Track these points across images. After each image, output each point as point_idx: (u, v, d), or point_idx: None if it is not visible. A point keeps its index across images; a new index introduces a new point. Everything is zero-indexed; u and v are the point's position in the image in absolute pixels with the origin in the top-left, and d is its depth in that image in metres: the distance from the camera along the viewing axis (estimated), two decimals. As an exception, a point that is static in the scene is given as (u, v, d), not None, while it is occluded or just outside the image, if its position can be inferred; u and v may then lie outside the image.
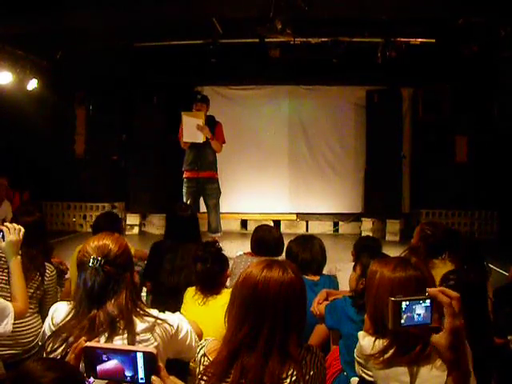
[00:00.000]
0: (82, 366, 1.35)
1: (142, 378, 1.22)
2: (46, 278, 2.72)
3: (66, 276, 3.46)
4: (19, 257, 2.29)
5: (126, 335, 1.65)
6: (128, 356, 1.22)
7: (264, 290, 1.50)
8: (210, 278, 2.65)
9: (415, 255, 2.92)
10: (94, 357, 1.24)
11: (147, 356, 1.22)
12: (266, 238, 3.52)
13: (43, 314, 2.66)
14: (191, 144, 6.04)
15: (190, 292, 2.69)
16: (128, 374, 1.23)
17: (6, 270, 2.40)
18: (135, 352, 1.23)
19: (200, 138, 5.89)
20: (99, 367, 1.24)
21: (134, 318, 1.71)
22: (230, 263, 3.02)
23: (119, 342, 1.64)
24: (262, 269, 1.54)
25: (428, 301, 1.13)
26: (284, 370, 1.46)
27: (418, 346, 1.59)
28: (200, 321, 2.34)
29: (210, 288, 2.64)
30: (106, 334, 1.64)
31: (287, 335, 1.50)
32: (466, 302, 1.12)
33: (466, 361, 1.14)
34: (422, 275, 1.71)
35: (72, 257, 3.40)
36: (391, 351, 1.64)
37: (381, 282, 1.72)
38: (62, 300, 2.52)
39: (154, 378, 1.22)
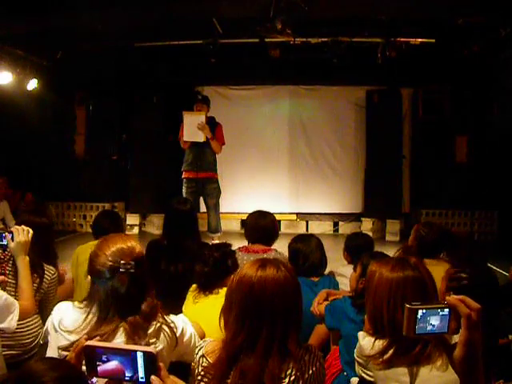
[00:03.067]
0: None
1: (142, 378, 1.22)
2: (47, 281, 2.72)
3: (66, 276, 3.46)
4: (27, 257, 2.36)
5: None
6: (128, 355, 1.22)
7: (261, 290, 1.51)
8: (207, 281, 2.63)
9: (407, 255, 2.92)
10: (94, 356, 1.24)
11: (147, 356, 1.21)
12: (258, 224, 3.49)
13: (44, 315, 2.66)
14: (191, 144, 6.05)
15: (192, 289, 2.69)
16: (128, 373, 1.22)
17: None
18: (135, 351, 1.22)
19: (201, 138, 5.91)
20: (100, 367, 1.24)
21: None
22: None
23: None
24: (256, 269, 1.54)
25: (446, 309, 1.08)
26: (283, 369, 1.47)
27: (417, 346, 1.59)
28: (195, 319, 2.34)
29: (206, 290, 2.63)
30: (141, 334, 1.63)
31: (286, 333, 1.50)
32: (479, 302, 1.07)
33: (479, 375, 1.09)
34: (421, 275, 1.71)
35: (72, 257, 3.39)
36: (391, 351, 1.64)
37: (379, 282, 1.72)
38: (62, 300, 2.52)
39: (153, 377, 1.21)
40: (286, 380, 1.46)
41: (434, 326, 1.08)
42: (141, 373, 1.22)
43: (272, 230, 3.51)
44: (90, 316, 1.68)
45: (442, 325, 1.08)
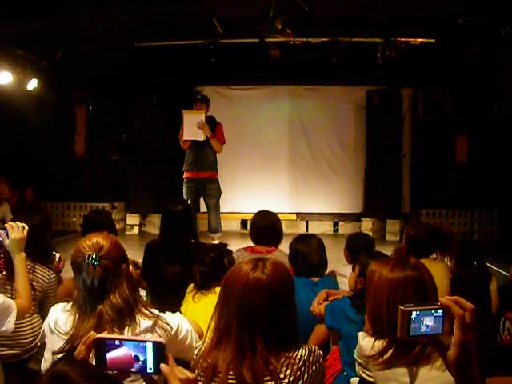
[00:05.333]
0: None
1: (150, 368, 1.23)
2: (46, 281, 2.71)
3: (65, 276, 3.45)
4: (23, 254, 2.33)
5: (130, 333, 1.68)
6: (137, 346, 1.24)
7: (255, 291, 1.50)
8: (204, 281, 2.64)
9: (400, 256, 2.92)
10: (104, 347, 1.25)
11: (156, 346, 1.23)
12: (258, 225, 3.54)
13: (43, 314, 2.66)
14: (191, 144, 6.05)
15: (189, 289, 2.69)
16: (137, 363, 1.24)
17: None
18: (145, 342, 1.24)
19: (200, 136, 5.90)
20: (109, 355, 1.25)
21: (136, 314, 1.73)
22: None
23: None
24: (246, 271, 1.54)
25: (440, 311, 1.07)
26: (283, 368, 1.47)
27: (417, 346, 1.59)
28: (194, 318, 2.34)
29: (204, 289, 2.63)
30: (116, 329, 1.67)
31: (284, 331, 1.50)
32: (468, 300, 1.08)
33: (473, 376, 1.09)
34: (421, 275, 1.71)
35: (71, 257, 3.37)
36: (390, 352, 1.63)
37: (379, 282, 1.72)
38: (61, 299, 2.52)
39: (163, 365, 1.23)
40: (286, 380, 1.46)
41: (428, 327, 1.08)
42: (150, 363, 1.23)
43: (273, 230, 3.52)
44: (77, 315, 1.73)
45: (435, 326, 1.08)
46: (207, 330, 1.66)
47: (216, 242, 5.76)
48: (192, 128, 5.89)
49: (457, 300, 1.07)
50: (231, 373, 1.45)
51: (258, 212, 3.69)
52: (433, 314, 1.07)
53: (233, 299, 1.51)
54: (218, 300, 1.57)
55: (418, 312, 1.07)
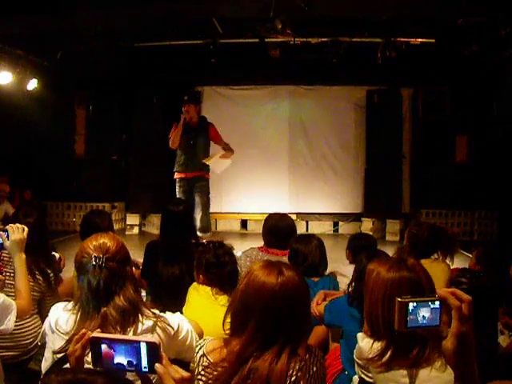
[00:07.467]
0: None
1: (144, 367, 1.25)
2: (45, 282, 2.72)
3: (65, 276, 3.45)
4: (23, 255, 2.35)
5: (131, 333, 1.68)
6: (132, 346, 1.25)
7: (283, 297, 1.51)
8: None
9: (402, 255, 2.92)
10: (99, 346, 1.27)
11: (150, 346, 1.24)
12: (279, 226, 3.50)
13: (43, 314, 2.65)
14: (181, 145, 6.03)
15: (192, 288, 2.67)
16: (131, 363, 1.26)
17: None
18: (139, 342, 1.25)
19: (227, 164, 6.08)
20: (104, 354, 1.26)
21: (138, 315, 1.74)
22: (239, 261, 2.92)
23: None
24: (275, 277, 1.54)
25: (437, 302, 1.08)
26: (289, 368, 1.47)
27: (415, 347, 1.59)
28: (195, 317, 2.32)
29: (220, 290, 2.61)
30: (118, 328, 1.67)
31: (301, 337, 1.53)
32: (476, 306, 1.09)
33: (472, 368, 1.09)
34: (416, 276, 1.71)
35: (75, 256, 3.37)
36: (389, 353, 1.63)
37: (376, 282, 1.73)
38: (62, 299, 2.52)
39: (157, 365, 1.24)
40: (288, 380, 1.46)
41: (425, 318, 1.09)
42: (144, 362, 1.25)
43: (290, 234, 3.49)
44: (78, 315, 1.73)
45: (433, 317, 1.09)
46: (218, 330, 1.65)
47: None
48: (219, 164, 6.07)
49: (454, 292, 1.08)
50: (256, 375, 1.45)
51: (272, 215, 3.67)
52: (430, 305, 1.09)
53: (284, 311, 1.50)
54: (256, 312, 1.53)
55: (415, 304, 1.08)
